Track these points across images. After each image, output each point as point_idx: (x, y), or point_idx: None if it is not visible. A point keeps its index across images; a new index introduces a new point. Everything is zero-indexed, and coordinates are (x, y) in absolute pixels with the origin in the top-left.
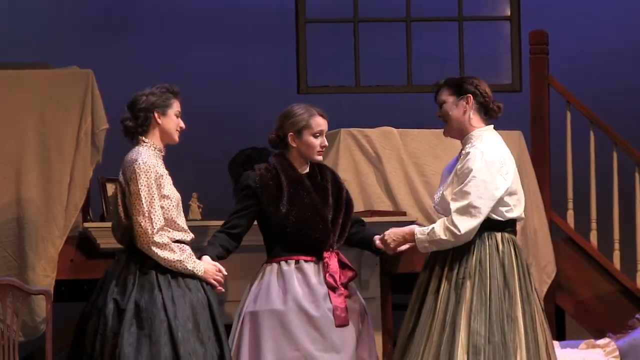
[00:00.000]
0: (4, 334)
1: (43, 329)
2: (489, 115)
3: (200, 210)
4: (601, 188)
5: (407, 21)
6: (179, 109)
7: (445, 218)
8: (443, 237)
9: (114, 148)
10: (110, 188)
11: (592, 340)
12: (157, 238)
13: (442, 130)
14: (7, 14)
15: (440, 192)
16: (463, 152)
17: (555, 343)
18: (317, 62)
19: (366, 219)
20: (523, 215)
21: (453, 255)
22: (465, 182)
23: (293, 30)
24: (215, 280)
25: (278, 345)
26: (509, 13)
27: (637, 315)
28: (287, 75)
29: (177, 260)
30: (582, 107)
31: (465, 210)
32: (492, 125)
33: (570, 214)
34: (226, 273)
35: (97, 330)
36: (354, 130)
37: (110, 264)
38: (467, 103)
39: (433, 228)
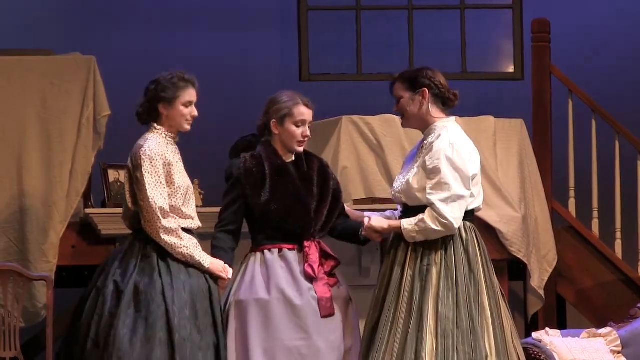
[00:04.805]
0: (5, 319)
1: (44, 315)
2: (446, 105)
3: (202, 196)
4: (603, 176)
5: (409, 9)
6: (191, 98)
7: (429, 209)
8: (434, 227)
9: (115, 134)
10: (112, 174)
11: (594, 329)
12: (165, 223)
13: None
14: None
15: (404, 179)
16: (426, 142)
17: (557, 332)
18: (319, 50)
19: (367, 206)
20: (482, 207)
21: (416, 244)
22: (442, 173)
23: (295, 17)
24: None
25: (264, 335)
26: (511, 1)
27: (639, 305)
28: (289, 63)
29: (184, 246)
30: (583, 96)
31: (450, 200)
32: (454, 118)
33: (571, 202)
34: (230, 276)
35: (94, 311)
36: (356, 118)
37: (111, 249)
38: (423, 97)
39: (422, 219)
